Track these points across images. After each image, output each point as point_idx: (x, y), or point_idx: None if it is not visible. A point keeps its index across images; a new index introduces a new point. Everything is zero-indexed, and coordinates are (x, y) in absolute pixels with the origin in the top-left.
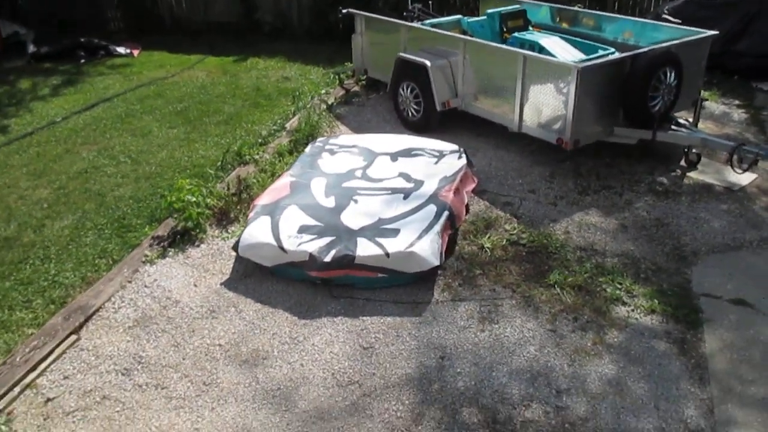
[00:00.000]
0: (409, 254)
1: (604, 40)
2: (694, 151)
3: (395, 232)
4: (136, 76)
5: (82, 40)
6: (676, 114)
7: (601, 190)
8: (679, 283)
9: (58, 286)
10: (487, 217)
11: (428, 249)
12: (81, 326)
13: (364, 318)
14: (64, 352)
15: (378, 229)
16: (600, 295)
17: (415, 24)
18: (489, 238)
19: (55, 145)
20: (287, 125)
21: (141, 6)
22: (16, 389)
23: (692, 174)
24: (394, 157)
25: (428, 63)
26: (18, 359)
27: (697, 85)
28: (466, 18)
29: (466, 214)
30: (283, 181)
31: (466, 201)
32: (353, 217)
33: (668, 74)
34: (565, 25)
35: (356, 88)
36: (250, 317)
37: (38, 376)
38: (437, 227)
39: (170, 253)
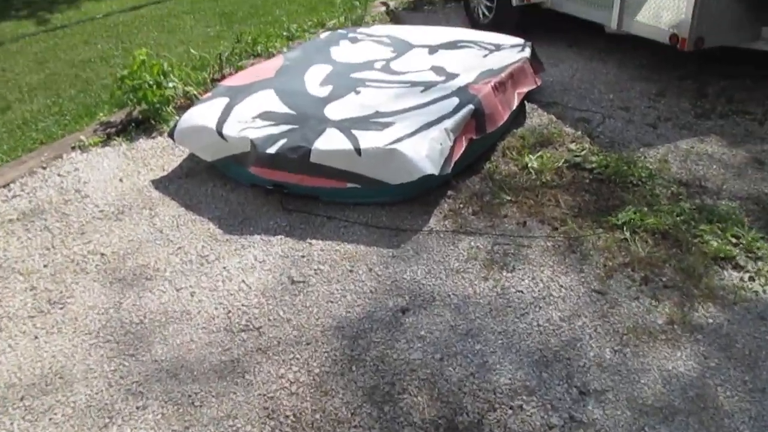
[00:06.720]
0: (389, 152)
1: None
2: None
3: (386, 125)
4: None
5: None
6: None
7: (730, 115)
8: None
9: None
10: (547, 132)
11: (422, 150)
12: None
13: (313, 241)
14: None
15: (365, 122)
16: (697, 250)
17: None
18: (539, 157)
19: (77, 37)
20: (329, 24)
21: None
22: None
23: None
24: (433, 49)
25: None
26: None
27: None
28: None
29: (512, 123)
30: (271, 64)
31: (514, 104)
32: (341, 108)
33: None
34: None
35: None
36: (162, 224)
37: None
38: (448, 123)
39: (114, 143)
